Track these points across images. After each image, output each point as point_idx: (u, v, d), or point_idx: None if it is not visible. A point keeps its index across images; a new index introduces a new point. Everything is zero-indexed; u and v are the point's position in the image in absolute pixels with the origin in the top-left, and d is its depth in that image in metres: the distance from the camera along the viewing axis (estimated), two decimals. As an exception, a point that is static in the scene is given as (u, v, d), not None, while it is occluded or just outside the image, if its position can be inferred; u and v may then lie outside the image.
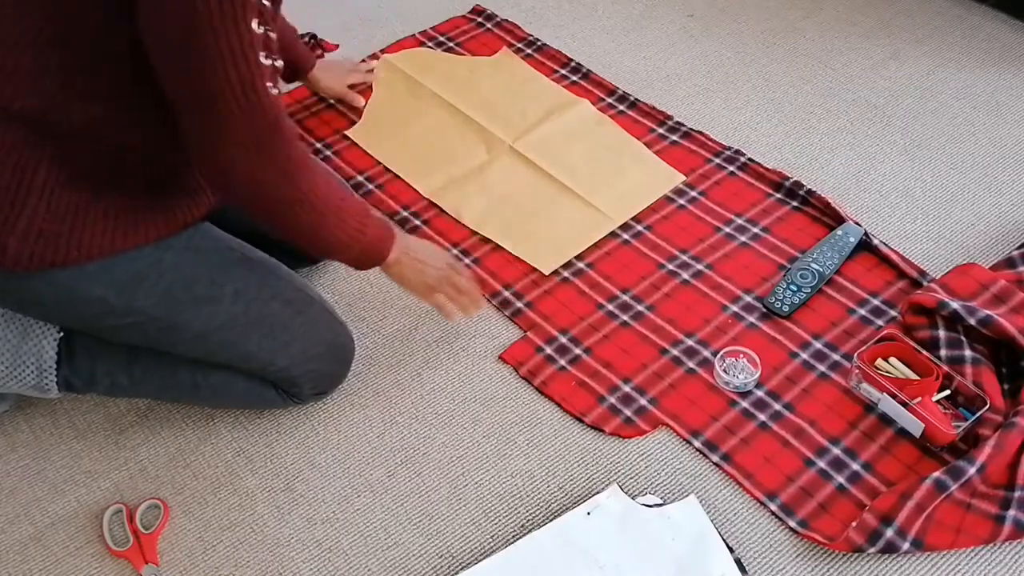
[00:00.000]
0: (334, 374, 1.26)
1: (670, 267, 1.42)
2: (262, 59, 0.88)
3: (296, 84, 1.75)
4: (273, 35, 0.90)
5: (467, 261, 1.45)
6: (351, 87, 1.71)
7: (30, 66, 0.93)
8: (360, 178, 1.58)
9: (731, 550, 1.09)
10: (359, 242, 1.10)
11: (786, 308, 1.34)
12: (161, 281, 1.08)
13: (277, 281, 1.18)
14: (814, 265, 1.38)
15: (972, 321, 1.22)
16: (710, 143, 1.62)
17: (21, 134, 0.96)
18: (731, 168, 1.58)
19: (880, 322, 1.33)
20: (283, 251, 1.22)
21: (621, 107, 1.70)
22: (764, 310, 1.35)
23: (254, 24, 0.86)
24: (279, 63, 0.92)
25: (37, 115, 0.95)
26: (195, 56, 0.86)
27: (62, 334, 1.17)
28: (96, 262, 1.03)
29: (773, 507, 1.14)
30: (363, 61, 1.79)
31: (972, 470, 1.09)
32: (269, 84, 0.90)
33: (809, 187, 1.51)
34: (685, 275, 1.41)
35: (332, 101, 1.73)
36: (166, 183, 1.09)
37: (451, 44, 1.86)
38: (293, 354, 1.18)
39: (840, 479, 1.16)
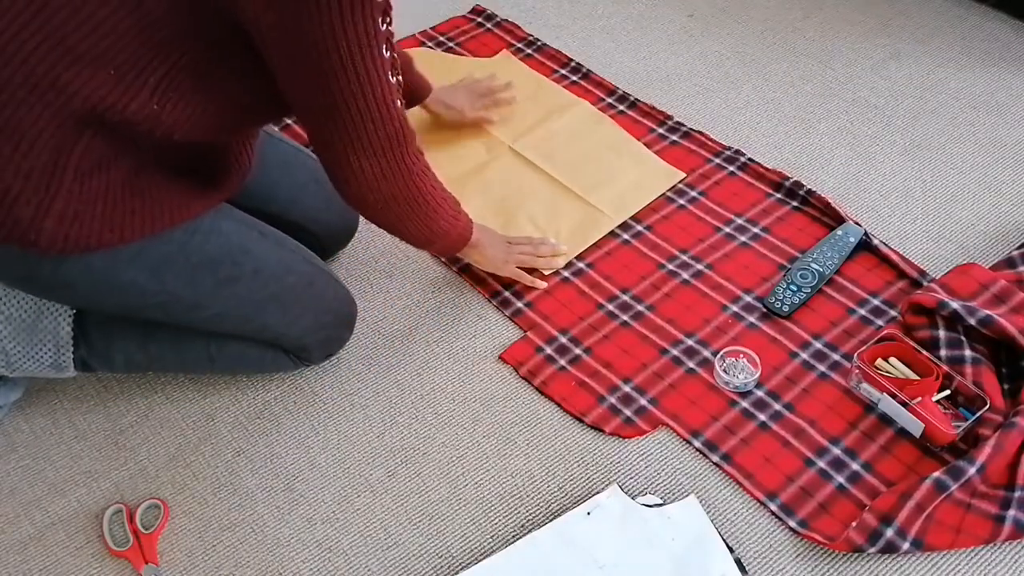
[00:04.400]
0: (342, 338, 1.31)
1: (670, 267, 1.42)
2: (391, 79, 0.97)
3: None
4: (396, 54, 0.98)
5: (467, 261, 1.45)
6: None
7: (100, 54, 0.93)
8: (485, 83, 1.62)
9: (731, 550, 1.09)
10: (454, 230, 1.21)
11: (786, 308, 1.34)
12: (188, 264, 1.11)
13: (290, 255, 1.22)
14: (814, 265, 1.38)
15: (972, 321, 1.22)
16: (710, 143, 1.62)
17: (64, 115, 0.95)
18: (731, 168, 1.58)
19: (880, 322, 1.33)
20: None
21: (621, 107, 1.70)
22: (764, 310, 1.35)
23: (384, 50, 0.94)
24: (401, 79, 1.00)
25: (91, 102, 0.95)
26: (336, 87, 0.93)
27: (75, 311, 1.19)
28: (129, 245, 1.05)
29: (773, 507, 1.14)
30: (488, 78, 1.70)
31: (972, 470, 1.09)
32: (398, 100, 0.99)
33: (809, 187, 1.51)
34: (685, 275, 1.41)
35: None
36: (199, 168, 1.11)
37: (451, 44, 1.86)
38: (306, 324, 1.24)
39: (840, 479, 1.16)
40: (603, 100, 1.72)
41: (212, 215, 1.13)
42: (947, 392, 1.20)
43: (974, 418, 1.15)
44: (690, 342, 1.32)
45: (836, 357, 1.29)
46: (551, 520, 1.13)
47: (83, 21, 0.91)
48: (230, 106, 1.03)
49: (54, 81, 0.92)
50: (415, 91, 1.53)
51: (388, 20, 0.93)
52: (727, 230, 1.48)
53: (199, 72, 0.97)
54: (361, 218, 1.44)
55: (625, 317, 1.36)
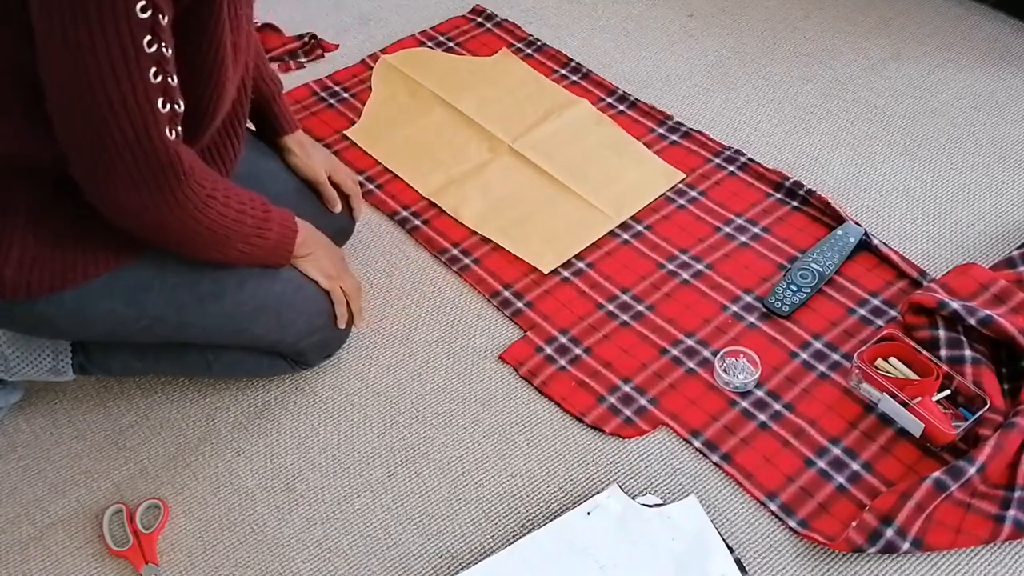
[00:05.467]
0: (339, 338, 1.30)
1: (670, 267, 1.42)
2: (159, 107, 0.87)
3: (299, 83, 1.75)
4: (173, 81, 0.88)
5: (467, 261, 1.45)
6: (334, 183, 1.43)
7: None
8: (360, 178, 1.58)
9: (731, 550, 1.09)
10: (259, 249, 1.10)
11: (786, 308, 1.34)
12: (166, 286, 1.09)
13: None
14: (814, 265, 1.38)
15: (972, 321, 1.22)
16: (710, 143, 1.62)
17: (5, 171, 0.95)
18: (731, 168, 1.58)
19: (880, 322, 1.33)
20: None
21: (621, 107, 1.70)
22: (764, 310, 1.35)
23: (151, 74, 0.85)
24: (179, 108, 0.91)
25: (4, 157, 0.94)
26: (86, 102, 0.85)
27: None
28: (99, 279, 1.04)
29: (773, 507, 1.14)
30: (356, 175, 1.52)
31: (972, 470, 1.09)
32: (167, 128, 0.89)
33: (809, 187, 1.51)
34: (685, 275, 1.41)
35: (332, 103, 1.73)
36: None
37: (451, 44, 1.86)
38: (299, 329, 1.21)
39: (840, 479, 1.16)
40: (603, 100, 1.72)
41: None
42: (947, 392, 1.20)
43: (974, 418, 1.15)
44: (690, 342, 1.32)
45: (836, 357, 1.29)
46: (551, 520, 1.12)
47: None
48: None
49: None
50: (277, 123, 1.32)
51: (159, 42, 0.84)
52: (727, 230, 1.48)
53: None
54: (359, 220, 1.43)
55: (625, 317, 1.36)
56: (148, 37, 0.83)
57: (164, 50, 0.85)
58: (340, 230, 1.41)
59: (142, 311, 1.09)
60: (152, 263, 1.07)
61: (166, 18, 0.85)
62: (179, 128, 0.91)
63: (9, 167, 0.95)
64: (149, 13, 0.82)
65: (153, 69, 0.85)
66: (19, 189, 0.97)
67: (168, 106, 0.88)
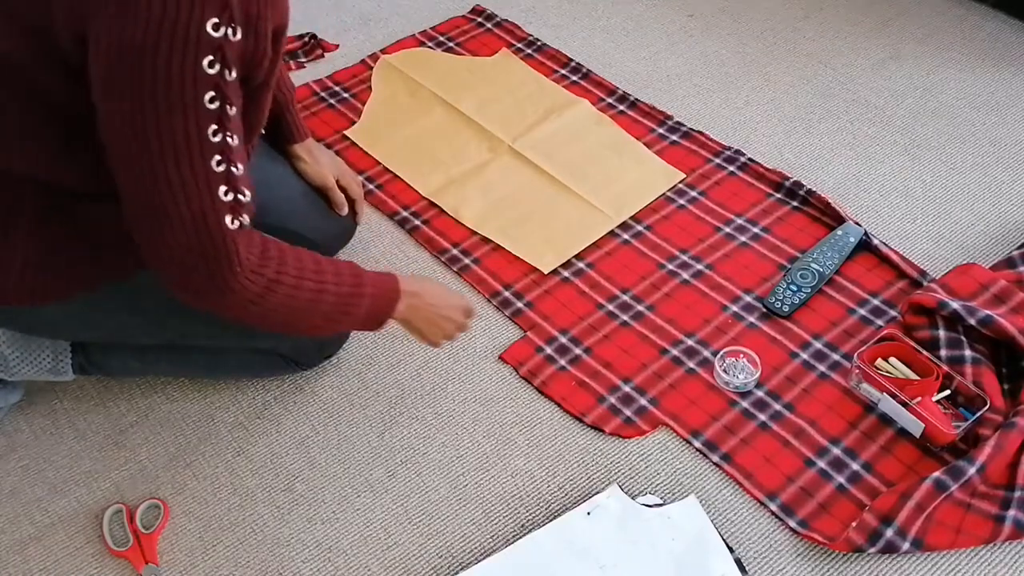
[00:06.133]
0: (339, 339, 1.30)
1: (670, 267, 1.42)
2: (220, 195, 0.86)
3: (299, 83, 1.75)
4: (238, 170, 0.87)
5: (467, 261, 1.45)
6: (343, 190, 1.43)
7: (17, 129, 0.91)
8: (360, 178, 1.58)
9: (731, 550, 1.09)
10: (349, 319, 1.05)
11: (786, 308, 1.34)
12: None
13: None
14: (814, 265, 1.38)
15: (972, 321, 1.22)
16: (710, 143, 1.62)
17: (9, 186, 0.95)
18: (731, 168, 1.58)
19: (880, 322, 1.33)
20: None
21: (621, 107, 1.70)
22: (764, 310, 1.35)
23: (213, 163, 0.84)
24: (244, 197, 0.89)
25: (24, 174, 0.94)
26: (147, 184, 0.84)
27: None
28: (105, 285, 1.04)
29: (773, 507, 1.14)
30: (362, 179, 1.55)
31: (972, 470, 1.09)
32: (228, 217, 0.87)
33: (809, 187, 1.51)
34: (685, 275, 1.41)
35: (333, 103, 1.73)
36: None
37: (451, 44, 1.86)
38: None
39: (840, 479, 1.16)
40: (603, 100, 1.72)
41: None
42: (947, 392, 1.20)
43: (974, 418, 1.15)
44: (690, 342, 1.32)
45: (836, 357, 1.29)
46: (551, 520, 1.12)
47: None
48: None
49: None
50: (289, 131, 1.33)
51: (225, 132, 0.83)
52: (727, 230, 1.48)
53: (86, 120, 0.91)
54: (358, 218, 1.43)
55: (625, 317, 1.36)
56: (214, 127, 0.82)
57: (229, 139, 0.84)
58: (343, 232, 1.42)
59: (145, 317, 1.09)
60: (152, 274, 1.07)
61: (234, 109, 0.84)
62: (244, 218, 0.89)
63: (22, 180, 0.95)
64: (217, 104, 0.81)
65: (217, 158, 0.84)
66: (26, 197, 0.97)
67: (231, 195, 0.87)
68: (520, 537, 1.11)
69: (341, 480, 1.20)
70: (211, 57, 0.78)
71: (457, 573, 1.09)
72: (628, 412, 1.24)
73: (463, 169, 1.59)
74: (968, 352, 1.22)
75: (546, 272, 1.42)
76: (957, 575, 1.08)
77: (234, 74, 0.82)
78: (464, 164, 1.60)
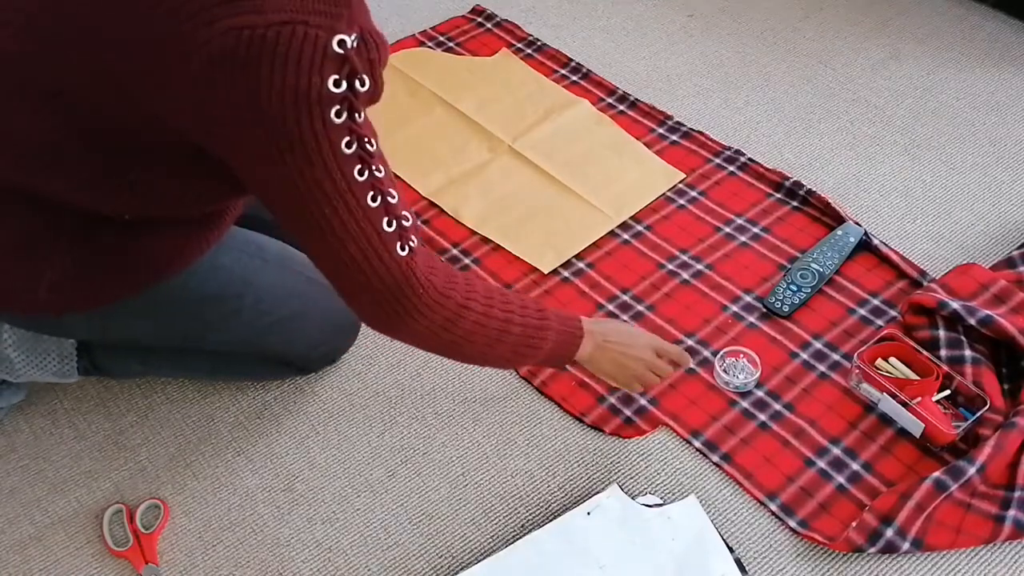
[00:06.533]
0: (344, 347, 1.31)
1: (670, 267, 1.42)
2: (384, 227, 0.87)
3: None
4: (394, 199, 0.88)
5: (467, 261, 1.45)
6: None
7: (63, 159, 0.91)
8: None
9: (731, 550, 1.09)
10: (536, 353, 1.06)
11: (786, 308, 1.34)
12: (188, 304, 1.11)
13: (293, 278, 1.20)
14: (814, 265, 1.38)
15: (972, 321, 1.22)
16: (710, 143, 1.62)
17: (48, 209, 0.96)
18: (731, 168, 1.58)
19: (880, 322, 1.33)
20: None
21: (621, 107, 1.70)
22: (764, 310, 1.35)
23: (368, 200, 0.85)
24: (407, 221, 0.90)
25: (72, 205, 0.95)
26: (315, 235, 0.86)
27: None
28: (124, 301, 1.05)
29: (773, 507, 1.14)
30: None
31: (972, 470, 1.09)
32: (397, 245, 0.89)
33: (809, 187, 1.51)
34: (685, 275, 1.41)
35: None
36: (192, 225, 1.08)
37: (451, 44, 1.86)
38: (308, 340, 1.24)
39: (840, 479, 1.16)
40: (603, 100, 1.72)
41: (210, 252, 1.11)
42: (947, 392, 1.20)
43: (974, 418, 1.15)
44: (690, 342, 1.32)
45: (836, 357, 1.29)
46: (551, 520, 1.12)
47: (36, 139, 0.90)
48: (214, 198, 1.01)
49: (32, 189, 0.93)
50: None
51: (370, 168, 0.84)
52: (727, 230, 1.48)
53: (177, 174, 0.93)
54: None
55: (625, 317, 1.36)
56: (358, 167, 0.83)
57: (376, 173, 0.85)
58: None
59: (165, 327, 1.11)
60: (178, 284, 1.08)
61: (374, 144, 0.85)
62: (413, 240, 0.91)
63: (62, 203, 0.95)
64: (355, 147, 0.82)
65: (370, 194, 0.85)
66: (64, 219, 0.97)
67: (393, 224, 0.88)
68: (520, 537, 1.11)
69: (341, 480, 1.20)
70: (337, 107, 0.78)
71: (457, 573, 1.09)
72: (628, 412, 1.24)
73: (463, 169, 1.59)
74: (968, 352, 1.22)
75: (546, 272, 1.42)
76: (957, 575, 1.08)
77: (363, 116, 0.82)
78: (464, 164, 1.60)
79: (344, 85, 0.77)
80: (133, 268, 1.03)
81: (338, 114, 0.78)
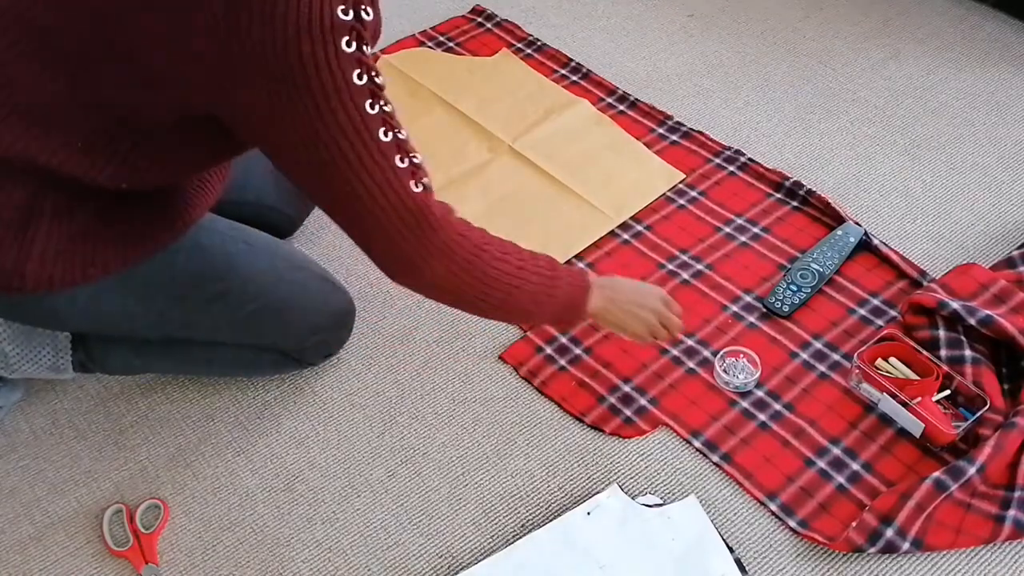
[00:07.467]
0: (340, 339, 1.30)
1: (670, 267, 1.42)
2: (397, 163, 0.89)
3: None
4: (403, 135, 0.90)
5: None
6: None
7: (63, 126, 0.92)
8: None
9: (731, 550, 1.09)
10: (552, 301, 1.07)
11: (786, 308, 1.34)
12: (174, 284, 1.11)
13: (281, 262, 1.21)
14: (814, 265, 1.38)
15: (972, 321, 1.22)
16: (710, 143, 1.62)
17: (37, 178, 0.96)
18: (731, 168, 1.58)
19: (880, 322, 1.33)
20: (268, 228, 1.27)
21: (621, 107, 1.70)
22: (764, 310, 1.35)
23: (380, 134, 0.86)
24: (417, 159, 0.91)
25: (61, 172, 0.95)
26: (334, 180, 0.88)
27: None
28: (113, 275, 1.04)
29: (773, 507, 1.14)
30: None
31: (972, 470, 1.09)
32: (411, 182, 0.91)
33: (809, 187, 1.51)
34: (685, 275, 1.41)
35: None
36: (175, 197, 1.10)
37: (451, 44, 1.86)
38: (301, 330, 1.23)
39: (840, 479, 1.16)
40: (603, 100, 1.72)
41: (194, 230, 1.12)
42: (947, 392, 1.20)
43: (974, 418, 1.15)
44: (690, 342, 1.32)
45: (836, 357, 1.29)
46: (551, 520, 1.12)
47: (42, 97, 0.90)
48: (211, 158, 1.02)
49: (28, 159, 0.93)
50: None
51: (381, 101, 0.86)
52: (727, 230, 1.48)
53: (173, 141, 0.94)
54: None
55: (625, 317, 1.36)
56: (369, 100, 0.84)
57: (386, 108, 0.87)
58: (301, 204, 1.43)
59: (150, 307, 1.10)
60: (162, 262, 1.08)
61: (383, 79, 0.86)
62: (426, 179, 0.93)
63: (50, 172, 0.95)
64: (365, 80, 0.83)
65: (382, 129, 0.86)
66: (48, 187, 0.97)
67: (406, 161, 0.90)
68: (520, 537, 1.11)
69: (341, 480, 1.20)
70: (347, 37, 0.80)
71: (457, 573, 1.09)
72: (628, 412, 1.24)
73: (463, 169, 1.59)
74: (968, 352, 1.22)
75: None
76: (957, 575, 1.08)
77: (369, 48, 0.84)
78: (464, 164, 1.60)
79: (351, 14, 0.79)
80: (122, 241, 1.03)
81: (348, 43, 0.80)
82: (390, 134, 0.87)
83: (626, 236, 1.48)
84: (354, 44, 0.80)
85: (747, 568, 1.09)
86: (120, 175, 0.95)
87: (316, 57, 0.79)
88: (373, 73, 0.84)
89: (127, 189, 0.98)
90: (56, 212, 0.98)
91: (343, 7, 0.78)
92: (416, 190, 0.91)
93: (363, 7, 0.80)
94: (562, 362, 1.30)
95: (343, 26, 0.79)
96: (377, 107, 0.85)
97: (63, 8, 0.87)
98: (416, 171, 0.91)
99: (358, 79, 0.82)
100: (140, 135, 0.92)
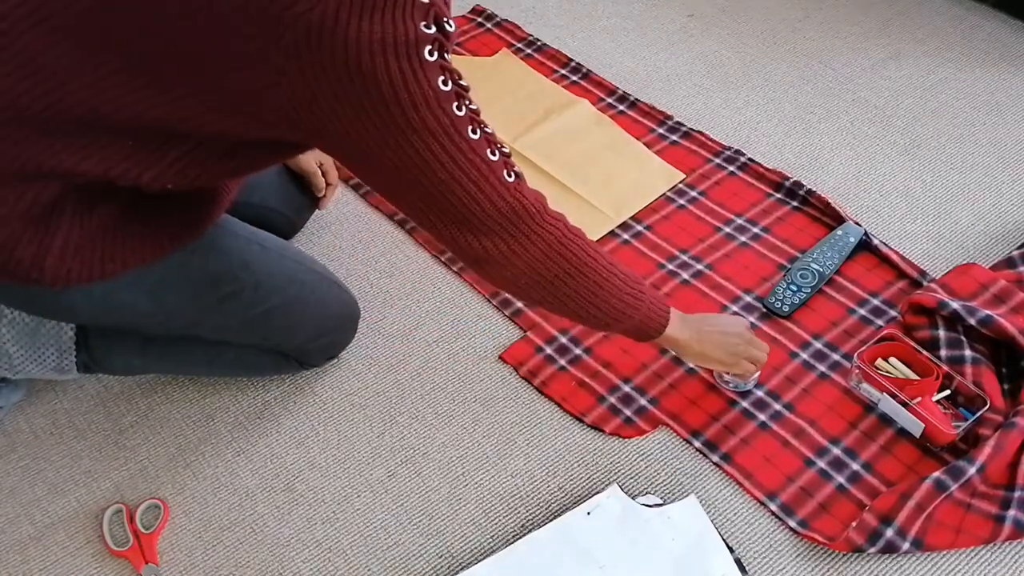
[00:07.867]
0: (344, 341, 1.31)
1: (670, 267, 1.42)
2: (490, 157, 0.90)
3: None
4: (490, 129, 0.91)
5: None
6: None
7: (117, 128, 0.91)
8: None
9: (731, 550, 1.09)
10: (639, 307, 1.07)
11: (786, 308, 1.34)
12: (188, 283, 1.11)
13: (292, 266, 1.22)
14: (814, 265, 1.38)
15: (972, 321, 1.22)
16: (710, 143, 1.62)
17: (71, 181, 0.96)
18: (731, 168, 1.58)
19: (880, 322, 1.33)
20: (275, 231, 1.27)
21: (621, 107, 1.70)
22: (764, 310, 1.35)
23: (469, 131, 0.88)
24: (506, 149, 0.93)
25: (101, 171, 0.94)
26: (428, 183, 0.89)
27: None
28: (130, 272, 1.05)
29: (773, 507, 1.14)
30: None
31: (972, 470, 1.09)
32: (504, 172, 0.92)
33: (809, 187, 1.51)
34: (685, 275, 1.41)
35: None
36: (201, 198, 1.10)
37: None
38: (308, 332, 1.24)
39: (840, 479, 1.16)
40: (603, 100, 1.72)
41: (211, 231, 1.12)
42: (947, 392, 1.20)
43: (974, 418, 1.15)
44: (690, 342, 1.32)
45: (836, 357, 1.29)
46: (551, 520, 1.12)
47: (104, 99, 0.89)
48: (253, 167, 1.03)
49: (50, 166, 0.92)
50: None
51: (467, 101, 0.88)
52: (727, 230, 1.48)
53: (226, 150, 0.94)
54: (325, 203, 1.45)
55: (625, 317, 1.36)
56: (455, 103, 0.86)
57: (472, 107, 0.89)
58: (310, 208, 1.44)
59: (161, 305, 1.10)
60: (178, 260, 1.09)
61: (465, 81, 0.89)
62: (517, 169, 0.94)
63: (74, 172, 0.94)
64: (451, 84, 0.86)
65: (470, 127, 0.88)
66: (77, 184, 0.97)
67: (497, 153, 0.91)
68: (520, 537, 1.11)
69: (341, 480, 1.20)
70: (429, 47, 0.83)
71: (457, 573, 1.09)
72: (628, 412, 1.24)
73: (463, 169, 1.59)
74: (968, 352, 1.22)
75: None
76: (957, 575, 1.08)
77: (450, 56, 0.87)
78: (464, 164, 1.60)
79: (434, 27, 0.82)
80: (143, 239, 1.04)
81: (431, 53, 0.82)
82: (478, 131, 0.89)
83: (626, 236, 1.48)
84: (436, 53, 0.83)
85: (747, 568, 1.09)
86: (165, 177, 0.95)
87: (403, 71, 0.81)
88: (457, 76, 0.87)
89: (171, 190, 0.98)
90: (79, 208, 0.98)
91: (424, 23, 0.81)
92: (510, 179, 0.93)
93: (445, 19, 0.83)
94: (562, 362, 1.30)
95: (426, 38, 0.81)
96: (464, 108, 0.87)
97: (151, 34, 0.86)
98: (507, 161, 0.93)
99: (443, 84, 0.85)
100: (196, 142, 0.93)
